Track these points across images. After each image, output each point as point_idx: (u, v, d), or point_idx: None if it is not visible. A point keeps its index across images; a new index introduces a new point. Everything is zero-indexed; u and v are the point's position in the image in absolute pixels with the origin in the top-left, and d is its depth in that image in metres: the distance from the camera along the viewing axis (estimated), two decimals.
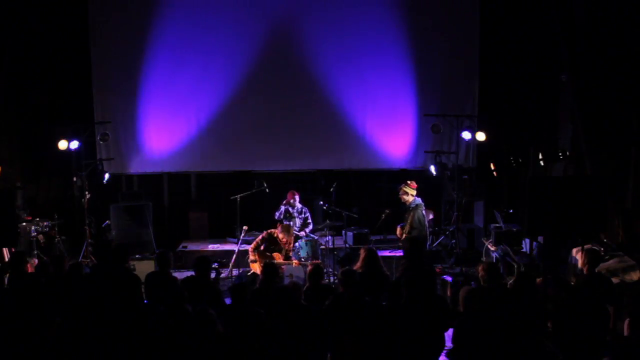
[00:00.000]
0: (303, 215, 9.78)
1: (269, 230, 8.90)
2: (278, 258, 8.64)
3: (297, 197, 9.78)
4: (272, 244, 8.77)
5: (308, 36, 11.48)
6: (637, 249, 7.79)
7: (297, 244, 9.35)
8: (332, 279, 9.00)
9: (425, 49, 11.46)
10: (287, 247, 8.81)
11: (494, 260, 9.01)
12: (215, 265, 8.15)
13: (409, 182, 8.80)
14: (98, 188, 10.85)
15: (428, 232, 8.98)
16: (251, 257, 8.81)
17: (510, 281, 6.10)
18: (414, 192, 8.70)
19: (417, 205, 8.62)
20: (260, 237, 8.88)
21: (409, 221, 8.58)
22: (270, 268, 6.50)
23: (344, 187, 10.09)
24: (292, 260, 8.75)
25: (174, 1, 11.51)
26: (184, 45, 11.44)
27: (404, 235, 8.61)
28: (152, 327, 5.41)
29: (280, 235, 8.77)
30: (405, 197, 8.72)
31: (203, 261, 6.60)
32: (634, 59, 9.01)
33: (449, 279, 8.17)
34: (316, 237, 9.54)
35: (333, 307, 5.73)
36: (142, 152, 11.69)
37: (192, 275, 6.67)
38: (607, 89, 9.53)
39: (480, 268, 6.15)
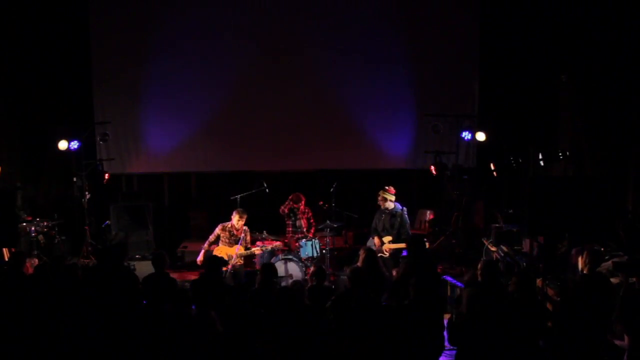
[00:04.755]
0: (307, 214, 9.77)
1: (221, 224, 8.73)
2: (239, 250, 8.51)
3: (302, 202, 9.72)
4: (230, 236, 8.64)
5: (308, 37, 11.49)
6: (638, 249, 7.77)
7: (298, 243, 9.36)
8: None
9: (426, 49, 11.47)
10: (238, 234, 8.53)
11: (494, 261, 9.00)
12: None
13: (387, 187, 8.78)
14: (98, 188, 10.85)
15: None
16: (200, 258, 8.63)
17: (510, 282, 6.08)
18: (393, 198, 8.71)
19: (402, 209, 8.69)
20: (214, 233, 8.69)
21: (396, 226, 8.56)
22: (268, 268, 6.50)
23: (344, 187, 10.07)
24: (249, 248, 8.62)
25: (174, 1, 11.52)
26: (184, 45, 11.46)
27: (387, 244, 8.55)
28: (152, 326, 5.41)
29: (236, 219, 8.55)
30: (384, 203, 8.72)
31: (214, 260, 6.69)
32: (634, 59, 9.01)
33: (449, 279, 8.17)
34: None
35: (337, 305, 5.73)
36: (142, 152, 11.71)
37: (202, 275, 6.72)
38: (607, 89, 9.53)
39: (479, 266, 6.17)
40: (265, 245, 8.94)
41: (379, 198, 8.77)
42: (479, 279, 6.12)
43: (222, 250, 8.51)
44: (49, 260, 8.04)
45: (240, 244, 8.52)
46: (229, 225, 8.66)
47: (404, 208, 8.72)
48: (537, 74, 11.05)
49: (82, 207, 10.45)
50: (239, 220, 8.57)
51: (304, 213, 9.65)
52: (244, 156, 11.70)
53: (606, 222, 7.24)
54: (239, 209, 8.72)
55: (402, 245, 8.46)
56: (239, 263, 8.56)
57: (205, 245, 8.70)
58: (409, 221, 8.73)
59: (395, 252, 8.50)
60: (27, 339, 5.41)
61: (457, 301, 6.14)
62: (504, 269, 8.46)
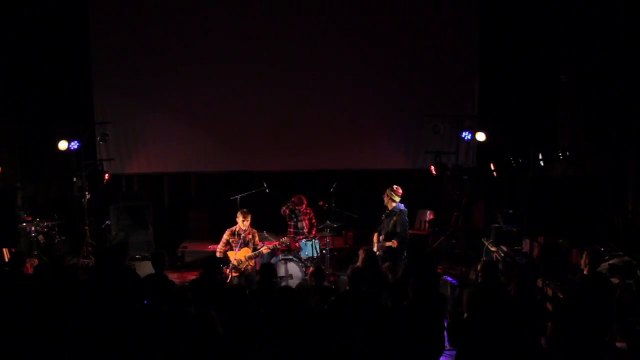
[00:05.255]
0: (308, 215, 9.78)
1: (228, 229, 8.64)
2: (247, 252, 8.46)
3: (304, 204, 9.70)
4: (239, 239, 8.52)
5: (308, 37, 11.49)
6: (637, 249, 7.78)
7: (298, 244, 9.36)
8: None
9: (426, 50, 11.46)
10: (246, 235, 8.48)
11: (494, 261, 9.00)
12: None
13: (395, 187, 8.72)
14: (98, 188, 10.85)
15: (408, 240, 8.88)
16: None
17: (511, 282, 6.09)
18: (399, 199, 8.66)
19: (401, 210, 8.58)
20: (223, 240, 8.57)
21: (391, 225, 8.53)
22: (267, 268, 6.50)
23: (344, 187, 10.08)
24: (259, 248, 8.56)
25: (174, 0, 11.52)
26: (184, 45, 11.46)
27: (380, 242, 8.52)
28: (152, 327, 5.42)
29: (240, 220, 8.49)
30: (386, 199, 8.69)
31: (211, 261, 6.71)
32: (634, 59, 9.01)
33: (449, 279, 8.18)
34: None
35: (336, 305, 5.74)
36: (142, 152, 11.70)
37: (201, 275, 6.72)
38: (607, 88, 9.53)
39: (479, 267, 6.18)
40: (266, 245, 8.92)
41: (385, 196, 8.75)
42: (480, 279, 6.13)
43: (232, 257, 8.41)
44: (49, 260, 8.04)
45: (246, 246, 8.47)
46: (237, 229, 8.58)
47: (404, 209, 8.67)
48: (537, 74, 11.05)
49: (82, 207, 10.45)
50: (243, 221, 8.52)
51: (305, 214, 9.65)
52: (244, 156, 11.70)
53: (606, 222, 7.26)
54: (242, 210, 8.63)
55: (392, 243, 8.39)
56: (249, 266, 8.50)
57: (218, 254, 8.51)
58: (406, 222, 8.60)
59: (390, 251, 8.43)
60: (27, 339, 5.41)
61: (457, 301, 6.13)
62: (504, 269, 8.46)
